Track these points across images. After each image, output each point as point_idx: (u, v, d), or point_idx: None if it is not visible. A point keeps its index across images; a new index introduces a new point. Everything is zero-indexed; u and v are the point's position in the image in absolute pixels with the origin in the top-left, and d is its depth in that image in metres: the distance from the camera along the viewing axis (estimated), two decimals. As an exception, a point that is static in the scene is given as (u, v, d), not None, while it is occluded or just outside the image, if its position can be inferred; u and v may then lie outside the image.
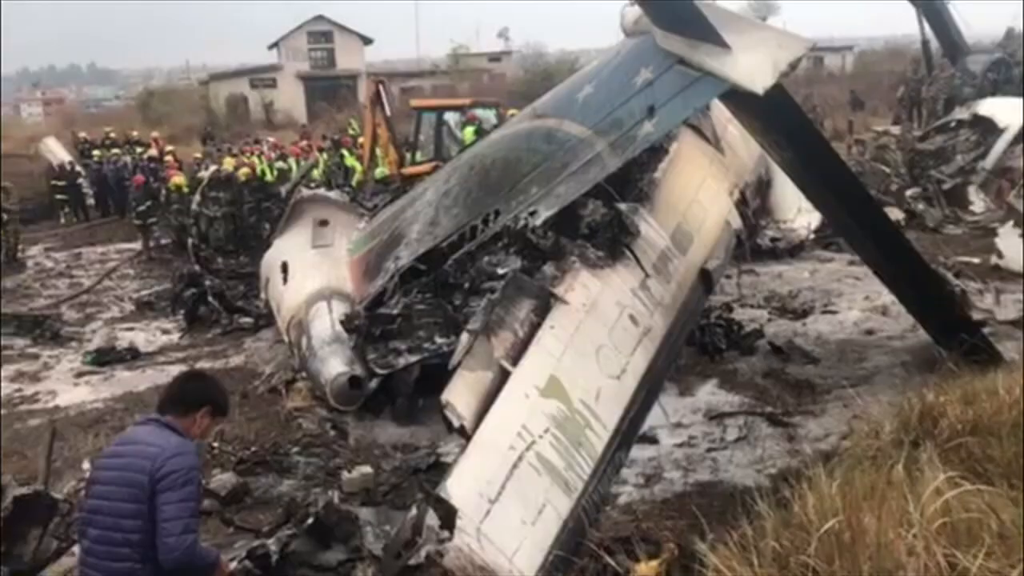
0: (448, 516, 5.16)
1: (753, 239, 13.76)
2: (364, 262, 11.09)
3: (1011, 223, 14.39)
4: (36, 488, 6.17)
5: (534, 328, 7.17)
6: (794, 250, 15.88)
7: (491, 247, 9.73)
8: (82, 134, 33.68)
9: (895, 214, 17.90)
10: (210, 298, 13.99)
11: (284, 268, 11.56)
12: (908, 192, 18.32)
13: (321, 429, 9.21)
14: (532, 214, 8.80)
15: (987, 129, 18.60)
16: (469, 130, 18.92)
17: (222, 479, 7.99)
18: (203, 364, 12.28)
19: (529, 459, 5.99)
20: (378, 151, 21.22)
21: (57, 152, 27.86)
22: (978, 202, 18.33)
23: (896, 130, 21.53)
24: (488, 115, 20.80)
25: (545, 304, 7.49)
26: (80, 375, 12.24)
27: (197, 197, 17.19)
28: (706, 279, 10.24)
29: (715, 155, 12.43)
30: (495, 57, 62.99)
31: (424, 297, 9.83)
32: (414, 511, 5.22)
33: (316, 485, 8.07)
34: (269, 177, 21.04)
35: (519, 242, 8.51)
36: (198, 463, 4.31)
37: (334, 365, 9.40)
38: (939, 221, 17.80)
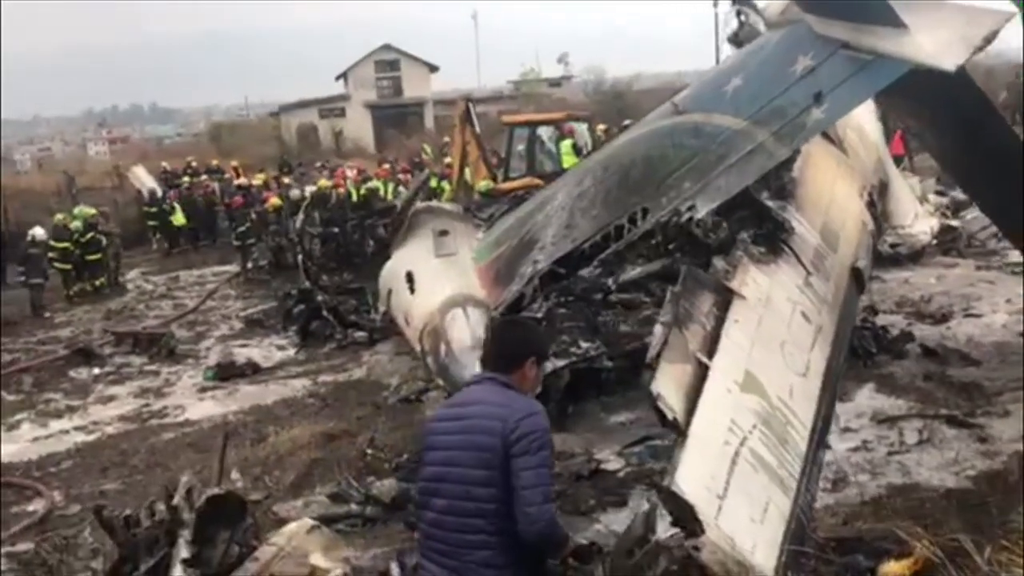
0: (683, 512, 4.80)
1: (880, 242, 13.31)
2: (493, 269, 10.85)
3: None
4: (229, 488, 5.95)
5: (719, 322, 6.83)
6: (915, 256, 15.29)
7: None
8: (164, 164, 34.38)
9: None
10: (325, 313, 13.89)
11: (410, 278, 11.36)
12: None
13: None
14: (690, 208, 8.50)
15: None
16: (567, 143, 18.72)
17: (384, 485, 7.76)
18: (324, 378, 12.19)
19: (745, 455, 5.62)
20: (467, 169, 21.16)
21: (146, 180, 28.39)
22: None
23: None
24: (581, 129, 20.59)
25: (723, 298, 7.14)
26: (204, 390, 12.21)
27: (300, 216, 17.21)
28: (858, 278, 9.81)
29: (841, 157, 12.04)
30: (555, 82, 62.99)
31: (565, 301, 9.56)
32: (645, 506, 4.87)
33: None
34: (355, 198, 21.08)
35: (682, 237, 8.19)
36: (548, 424, 3.86)
37: (478, 370, 9.10)
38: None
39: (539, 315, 9.43)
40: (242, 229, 19.34)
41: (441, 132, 44.41)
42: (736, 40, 11.98)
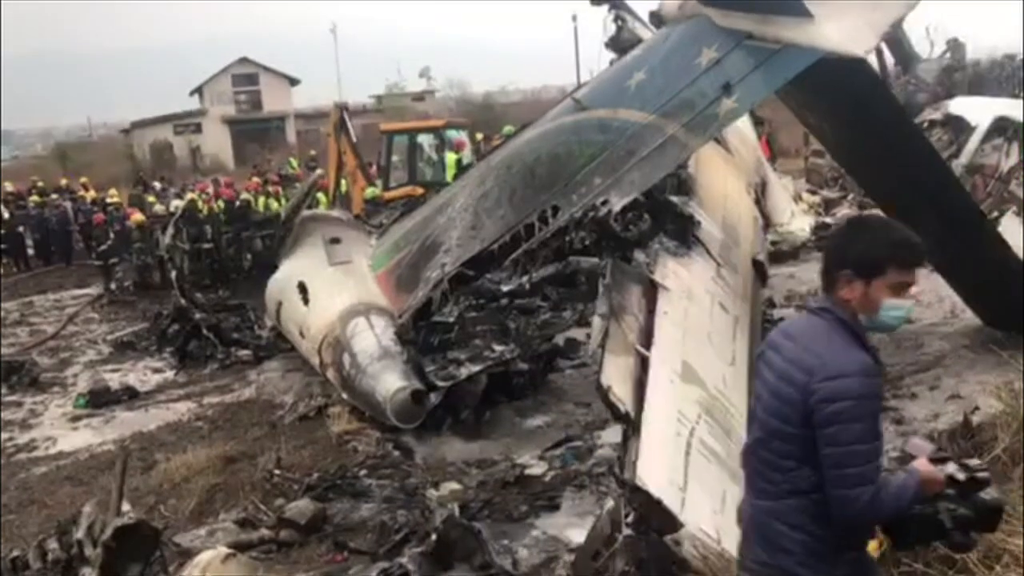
0: (650, 507, 4.57)
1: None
2: (394, 275, 10.43)
3: (1012, 211, 14.49)
4: (140, 517, 5.33)
5: (650, 313, 6.69)
6: (795, 252, 15.74)
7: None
8: (7, 185, 31.98)
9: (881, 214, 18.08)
10: (205, 332, 13.03)
11: (303, 288, 10.77)
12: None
13: (383, 450, 8.46)
14: (604, 203, 8.35)
15: (958, 128, 18.89)
16: (452, 157, 18.39)
17: (298, 506, 7.18)
18: (210, 399, 11.40)
19: (696, 446, 5.46)
20: (343, 180, 20.58)
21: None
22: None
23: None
24: (461, 135, 20.34)
25: (650, 290, 7.02)
26: (76, 419, 11.19)
27: (170, 230, 16.19)
28: (760, 270, 9.96)
29: (726, 155, 12.28)
30: (419, 96, 62.59)
31: (477, 304, 9.25)
32: (610, 505, 4.60)
33: (399, 507, 7.34)
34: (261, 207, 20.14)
35: (601, 232, 8.02)
36: (877, 385, 2.99)
37: (391, 380, 8.68)
38: (921, 221, 17.95)
39: (451, 319, 9.09)
40: (104, 248, 18.08)
41: (304, 146, 43.36)
42: (617, 45, 12.02)
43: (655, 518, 4.39)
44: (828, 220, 17.18)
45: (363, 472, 8.03)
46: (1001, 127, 18.32)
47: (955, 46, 25.24)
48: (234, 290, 16.40)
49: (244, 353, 12.97)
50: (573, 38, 55.94)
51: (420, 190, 18.90)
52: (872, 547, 4.08)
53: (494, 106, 43.98)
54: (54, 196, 25.89)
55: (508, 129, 21.33)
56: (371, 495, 7.63)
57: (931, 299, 12.20)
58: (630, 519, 4.52)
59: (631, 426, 5.20)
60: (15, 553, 5.64)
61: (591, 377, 10.45)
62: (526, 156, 9.88)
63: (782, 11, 7.76)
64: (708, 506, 5.00)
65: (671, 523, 4.35)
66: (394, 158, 20.15)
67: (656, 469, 4.90)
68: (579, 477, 7.61)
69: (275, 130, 49.87)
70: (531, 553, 6.31)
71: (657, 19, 9.80)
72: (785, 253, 15.57)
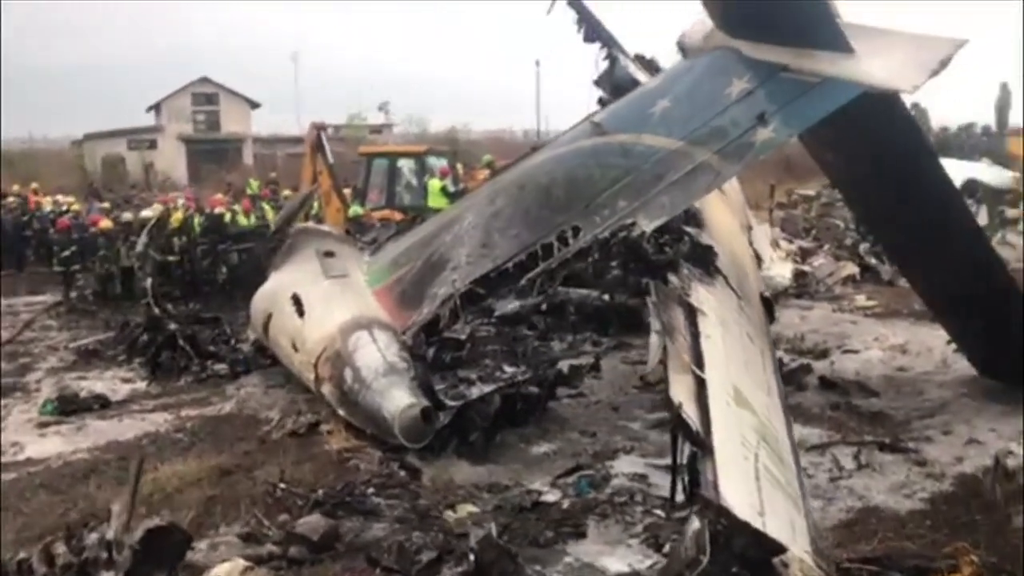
0: (740, 529, 4.34)
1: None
2: (395, 291, 10.14)
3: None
4: (170, 520, 4.92)
5: (695, 336, 6.51)
6: (776, 297, 15.80)
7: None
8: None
9: (849, 268, 18.33)
10: (181, 343, 12.49)
11: (297, 301, 10.37)
12: (861, 247, 18.72)
13: (389, 469, 8.09)
14: (632, 226, 8.23)
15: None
16: (437, 183, 18.16)
17: (310, 522, 6.78)
18: (188, 412, 10.86)
19: (762, 472, 5.26)
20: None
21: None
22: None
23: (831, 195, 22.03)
24: (440, 163, 20.16)
25: (691, 313, 6.86)
26: (43, 425, 10.54)
27: (143, 239, 15.60)
28: (768, 306, 9.91)
29: (720, 194, 12.28)
30: (376, 129, 62.31)
31: (488, 322, 9.00)
32: (695, 526, 4.36)
33: (414, 527, 6.98)
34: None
35: (632, 253, 7.87)
36: None
37: (399, 397, 8.34)
38: (893, 274, 18.21)
39: (463, 336, 8.82)
40: (67, 254, 17.34)
41: (262, 169, 42.68)
42: (610, 82, 12.03)
43: (760, 541, 4.16)
44: (806, 268, 17.36)
45: (370, 490, 7.65)
46: (970, 188, 18.79)
47: (919, 112, 25.95)
48: (206, 303, 15.84)
49: (220, 367, 12.45)
50: (535, 83, 56.70)
51: (399, 215, 18.64)
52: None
53: (458, 141, 43.89)
54: (10, 199, 24.90)
55: (488, 158, 21.30)
56: (382, 514, 7.26)
57: (919, 349, 12.39)
58: (723, 541, 4.27)
59: (702, 446, 4.98)
60: (20, 556, 5.16)
61: (591, 407, 10.36)
62: (540, 177, 9.75)
63: (822, 45, 7.78)
64: (784, 534, 4.79)
65: (775, 546, 4.12)
66: (377, 179, 19.85)
67: (736, 493, 4.69)
68: (600, 505, 7.36)
69: (232, 152, 49.03)
70: (566, 580, 6.02)
71: (681, 49, 9.76)
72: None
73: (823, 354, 12.38)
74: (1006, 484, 6.35)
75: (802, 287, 16.73)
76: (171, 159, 49.09)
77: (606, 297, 13.29)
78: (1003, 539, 5.26)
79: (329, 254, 11.21)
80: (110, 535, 4.78)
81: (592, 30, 11.99)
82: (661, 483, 7.89)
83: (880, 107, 7.76)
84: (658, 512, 7.12)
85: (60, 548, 5.15)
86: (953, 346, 11.32)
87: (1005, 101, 25.25)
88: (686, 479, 5.10)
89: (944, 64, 7.04)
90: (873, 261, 18.57)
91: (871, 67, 7.35)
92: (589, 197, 8.88)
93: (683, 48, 9.75)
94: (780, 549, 4.10)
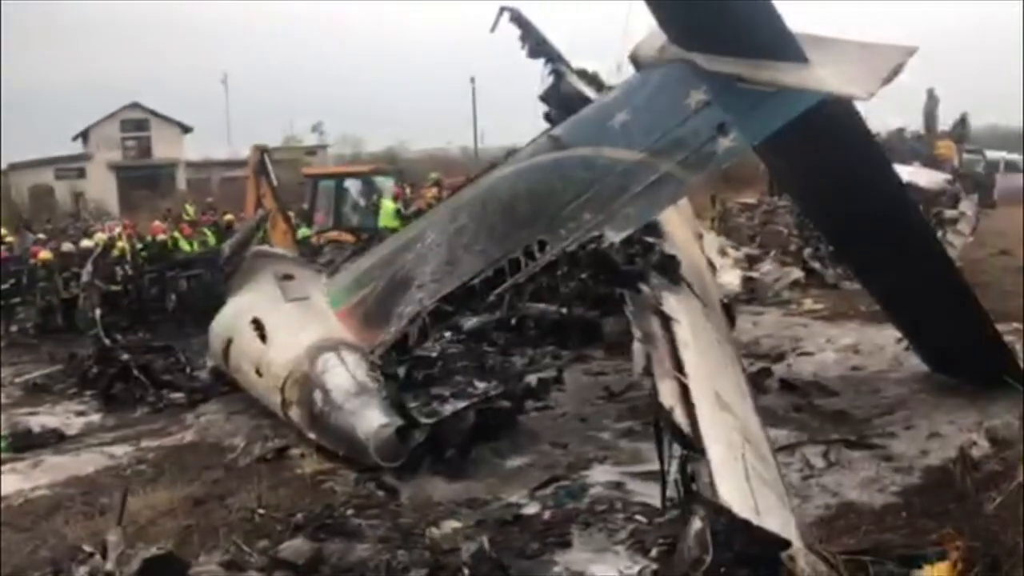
0: (739, 528, 4.45)
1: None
2: (359, 311, 10.09)
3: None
4: (168, 549, 4.83)
5: (671, 343, 6.63)
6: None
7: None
8: None
9: (795, 273, 18.76)
10: (135, 373, 12.24)
11: (258, 325, 10.26)
12: (805, 252, 19.16)
13: (366, 490, 8.04)
14: (599, 238, 8.34)
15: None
16: (390, 204, 18.07)
17: (294, 546, 6.70)
18: (148, 443, 10.63)
19: (751, 473, 5.39)
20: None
21: None
22: (863, 260, 19.38)
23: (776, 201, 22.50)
24: (388, 183, 20.13)
25: (665, 321, 6.98)
26: (-2, 463, 10.23)
27: (88, 268, 15.25)
28: (728, 313, 10.11)
29: (673, 205, 12.51)
30: (311, 151, 61.78)
31: (457, 339, 9.03)
32: (697, 526, 4.44)
33: (397, 547, 6.95)
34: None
35: (599, 265, 7.98)
36: None
37: (372, 417, 8.31)
38: (837, 278, 18.69)
39: (433, 354, 8.82)
40: (5, 287, 16.87)
41: (196, 194, 42.02)
42: (557, 96, 12.19)
43: (764, 538, 4.26)
44: (753, 275, 17.73)
45: (350, 512, 7.60)
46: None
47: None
48: (155, 332, 15.54)
49: (177, 395, 12.24)
50: (471, 100, 56.99)
51: (348, 236, 18.55)
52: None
53: (397, 160, 43.78)
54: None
55: (435, 176, 21.32)
56: (364, 535, 7.20)
57: (871, 348, 12.73)
58: (722, 540, 4.36)
59: (694, 449, 5.08)
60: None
61: (559, 419, 10.43)
62: (502, 193, 9.82)
63: (776, 55, 8.00)
64: (782, 531, 4.91)
65: (779, 542, 4.23)
66: (323, 201, 19.72)
67: (732, 492, 4.79)
68: (581, 515, 7.41)
69: (165, 177, 48.23)
70: (559, 589, 6.06)
71: (634, 62, 9.93)
72: (717, 305, 15.93)
73: (779, 357, 12.63)
74: (974, 474, 6.58)
75: (751, 293, 17.06)
76: (101, 187, 48.11)
77: (564, 311, 13.42)
78: (980, 525, 5.44)
79: (288, 277, 11.13)
80: (106, 567, 4.66)
81: (536, 46, 12.13)
82: (638, 490, 7.98)
83: (834, 114, 8.01)
84: (640, 518, 7.19)
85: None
86: (904, 345, 11.65)
87: (932, 106, 26.16)
88: (678, 482, 5.17)
89: (896, 71, 7.32)
90: (817, 266, 19.02)
91: (826, 75, 7.59)
92: (553, 211, 8.97)
93: (636, 61, 9.92)
94: (785, 544, 4.21)
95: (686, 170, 8.23)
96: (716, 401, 6.04)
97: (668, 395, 5.49)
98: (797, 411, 9.96)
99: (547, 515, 7.52)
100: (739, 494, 4.84)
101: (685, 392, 5.78)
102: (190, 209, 35.28)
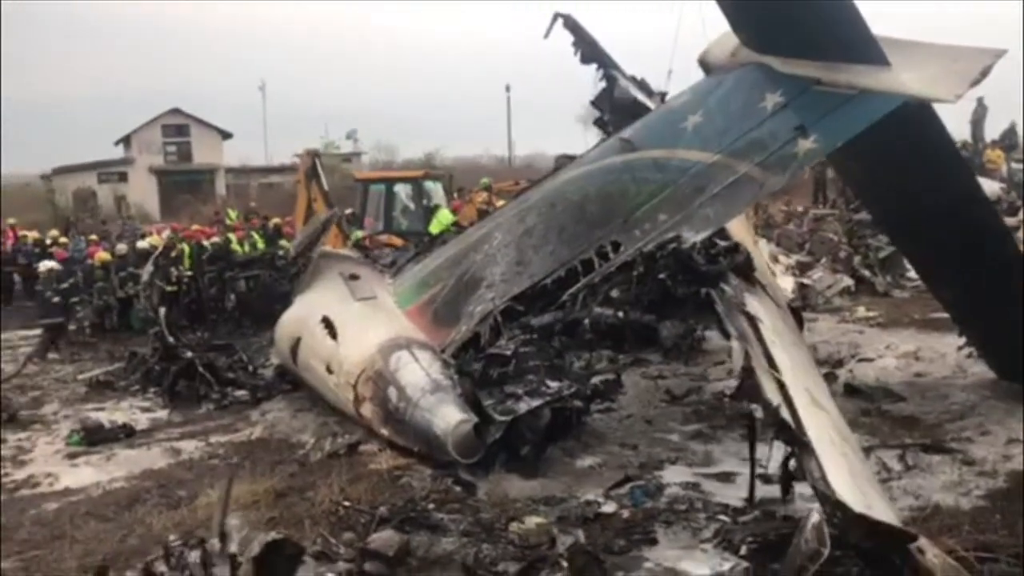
0: (854, 523, 4.47)
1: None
2: (428, 311, 10.21)
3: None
4: (285, 534, 4.94)
5: (762, 342, 6.66)
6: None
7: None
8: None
9: (845, 280, 18.69)
10: (201, 371, 12.42)
11: (328, 324, 10.39)
12: (855, 260, 19.09)
13: (444, 485, 8.12)
14: (676, 239, 8.39)
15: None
16: (447, 214, 18.05)
17: (383, 538, 6.79)
18: (217, 439, 10.79)
19: (854, 467, 5.41)
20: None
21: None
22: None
23: (822, 210, 22.42)
24: (437, 187, 20.27)
25: (752, 321, 7.02)
26: (72, 456, 10.43)
27: (149, 267, 15.47)
28: (798, 316, 10.10)
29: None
30: (346, 158, 62.27)
31: (530, 338, 9.10)
32: (815, 519, 4.47)
33: (482, 540, 7.02)
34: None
35: (679, 266, 8.02)
36: None
37: (450, 413, 8.38)
38: (887, 286, 18.61)
39: (507, 352, 8.90)
40: (65, 286, 17.14)
41: (237, 199, 42.49)
42: (609, 101, 12.26)
43: (883, 532, 4.29)
44: (806, 281, 17.67)
45: (431, 506, 7.68)
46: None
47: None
48: (213, 331, 15.76)
49: (240, 393, 12.41)
50: (506, 109, 57.20)
51: (397, 240, 18.70)
52: None
53: (435, 167, 44.03)
54: (-11, 237, 24.64)
55: (486, 181, 21.42)
56: (447, 529, 7.28)
57: (931, 355, 12.66)
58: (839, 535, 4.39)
59: (802, 446, 5.11)
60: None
61: (624, 420, 10.47)
62: (571, 195, 9.89)
63: (857, 59, 8.02)
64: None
65: (905, 535, 4.25)
66: (375, 204, 19.88)
67: (845, 487, 4.82)
68: (662, 514, 7.45)
69: (206, 182, 48.79)
70: (652, 584, 6.10)
71: (703, 66, 9.98)
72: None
73: (839, 363, 12.58)
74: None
75: (803, 300, 16.99)
76: (143, 191, 48.75)
77: (620, 314, 13.44)
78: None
79: (354, 277, 11.25)
80: (231, 549, 4.77)
81: (589, 51, 12.22)
82: (714, 491, 8.03)
83: (914, 118, 8.00)
84: (723, 517, 7.22)
85: (161, 567, 5.12)
86: (966, 351, 11.58)
87: (981, 115, 25.93)
88: (781, 479, 5.20)
89: (984, 74, 7.31)
90: (867, 273, 18.98)
91: (910, 79, 7.60)
92: (626, 212, 9.04)
93: (706, 65, 9.97)
94: (912, 537, 4.22)
95: (765, 172, 8.26)
96: (810, 399, 6.06)
97: (772, 393, 5.51)
98: (865, 415, 9.92)
99: (626, 514, 7.56)
100: (850, 489, 4.86)
101: (783, 390, 5.80)
102: (232, 214, 35.75)
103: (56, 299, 17.22)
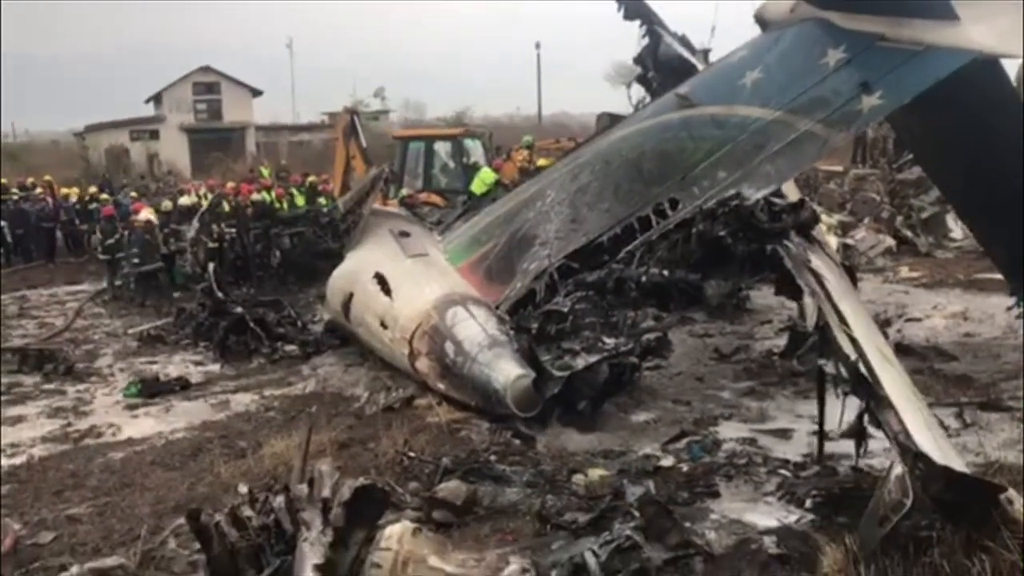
0: (937, 475, 4.52)
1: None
2: (481, 268, 10.29)
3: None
4: (372, 479, 5.07)
5: (830, 299, 6.67)
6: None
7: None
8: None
9: (888, 240, 18.56)
10: (252, 326, 12.59)
11: (381, 280, 10.48)
12: (897, 220, 18.94)
13: (503, 438, 8.26)
14: (737, 196, 8.37)
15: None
16: (490, 173, 17.84)
17: (451, 487, 6.94)
18: (271, 392, 10.98)
19: (932, 425, 5.45)
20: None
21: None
22: (956, 228, 19.04)
23: (863, 169, 22.17)
24: (476, 145, 20.24)
25: (817, 279, 7.03)
26: (131, 407, 10.64)
27: (195, 224, 15.63)
28: (852, 275, 10.06)
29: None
30: (374, 116, 62.08)
31: (585, 295, 9.16)
32: (897, 471, 4.52)
33: (546, 491, 7.14)
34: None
35: (744, 223, 8.01)
36: None
37: (509, 368, 8.49)
38: (930, 247, 18.47)
39: (564, 309, 8.97)
40: (111, 242, 17.37)
41: (267, 157, 42.65)
42: (653, 59, 12.12)
43: (969, 483, 4.34)
44: (849, 242, 17.58)
45: (493, 458, 7.82)
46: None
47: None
48: (259, 287, 15.94)
49: (291, 348, 12.58)
50: (536, 67, 56.71)
51: (436, 198, 18.73)
52: None
53: (466, 125, 43.88)
54: (38, 191, 24.93)
55: (528, 139, 21.34)
56: (511, 480, 7.42)
57: (980, 316, 12.60)
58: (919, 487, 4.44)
59: (881, 401, 5.15)
60: (203, 519, 5.28)
61: (675, 378, 10.53)
62: (627, 152, 9.86)
63: (922, 13, 7.91)
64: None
65: (992, 486, 4.31)
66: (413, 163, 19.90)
67: (926, 441, 4.86)
68: (722, 468, 7.53)
69: (236, 140, 48.95)
70: (720, 535, 6.19)
71: (759, 22, 9.86)
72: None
73: (887, 323, 12.51)
74: None
75: (846, 260, 16.89)
76: (174, 149, 48.95)
77: (665, 272, 13.42)
78: None
79: (404, 234, 11.33)
80: (323, 493, 4.90)
81: (634, 7, 12.09)
82: (772, 446, 8.11)
83: (979, 73, 7.90)
84: (784, 472, 7.30)
85: (247, 511, 5.27)
86: (1015, 312, 11.51)
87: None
88: (856, 435, 5.25)
89: (1058, 26, 7.20)
90: (909, 234, 18.84)
91: (979, 33, 7.49)
92: (684, 169, 9.02)
93: (762, 21, 9.85)
94: (1000, 488, 4.28)
95: (829, 128, 8.21)
96: (881, 355, 6.09)
97: (848, 347, 5.54)
98: (918, 374, 9.87)
99: (685, 467, 7.66)
100: (931, 443, 4.91)
101: (856, 346, 5.84)
102: (265, 171, 35.91)
103: (103, 256, 17.53)
